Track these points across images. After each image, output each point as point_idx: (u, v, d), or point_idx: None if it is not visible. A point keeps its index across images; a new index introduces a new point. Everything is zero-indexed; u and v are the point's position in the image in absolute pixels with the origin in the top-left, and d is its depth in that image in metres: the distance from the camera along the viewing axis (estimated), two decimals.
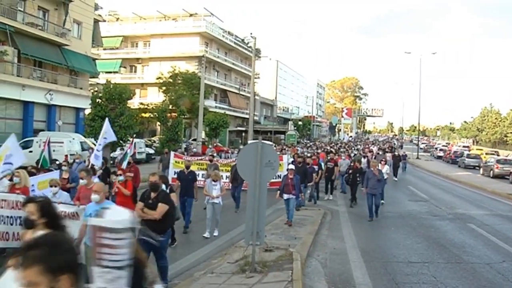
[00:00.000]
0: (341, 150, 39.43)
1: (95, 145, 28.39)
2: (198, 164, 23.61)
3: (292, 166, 16.08)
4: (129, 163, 16.93)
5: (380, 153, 36.03)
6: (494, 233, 14.84)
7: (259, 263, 9.68)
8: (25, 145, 28.46)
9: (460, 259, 11.50)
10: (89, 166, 13.80)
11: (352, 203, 20.60)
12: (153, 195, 8.74)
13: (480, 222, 16.90)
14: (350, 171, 21.51)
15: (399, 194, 25.01)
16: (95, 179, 11.80)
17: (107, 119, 16.68)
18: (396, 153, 36.31)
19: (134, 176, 14.56)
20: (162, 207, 8.50)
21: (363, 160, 25.35)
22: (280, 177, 21.01)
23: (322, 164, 22.98)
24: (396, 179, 31.63)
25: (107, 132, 15.80)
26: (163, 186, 10.41)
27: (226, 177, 21.73)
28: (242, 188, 18.70)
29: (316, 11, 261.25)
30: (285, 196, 15.21)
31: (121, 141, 24.96)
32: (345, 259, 11.39)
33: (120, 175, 12.05)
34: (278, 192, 15.50)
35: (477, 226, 16.14)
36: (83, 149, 29.46)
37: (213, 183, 13.74)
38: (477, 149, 67.83)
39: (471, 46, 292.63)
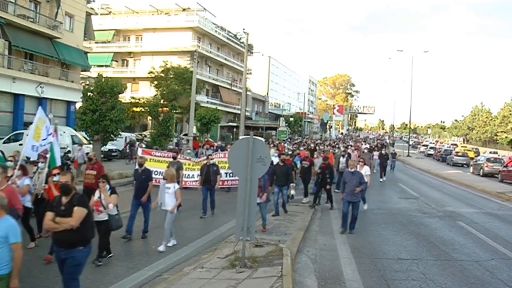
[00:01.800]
0: (320, 147, 35.00)
1: (86, 139, 28.52)
2: (164, 162, 21.11)
3: None
4: (90, 159, 14.53)
5: (366, 151, 31.87)
6: (483, 231, 14.96)
7: (249, 259, 9.70)
8: (15, 138, 28.41)
9: (449, 257, 11.58)
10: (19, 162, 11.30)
11: (315, 203, 18.70)
12: (64, 200, 7.13)
13: (469, 220, 17.02)
14: (319, 170, 19.03)
15: (389, 191, 25.11)
16: (25, 180, 10.83)
17: (40, 107, 14.58)
18: (383, 152, 33.51)
19: (97, 174, 12.90)
20: (79, 212, 6.95)
21: (342, 160, 23.52)
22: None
23: (298, 163, 21.25)
24: (382, 180, 29.67)
25: (44, 119, 12.87)
26: (107, 186, 10.07)
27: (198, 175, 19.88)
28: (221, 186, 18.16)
29: (309, 8, 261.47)
30: None
31: (112, 135, 24.83)
32: (335, 255, 11.43)
33: (56, 174, 10.27)
34: None
35: (466, 224, 16.26)
36: (74, 143, 29.39)
37: (167, 185, 11.73)
38: (461, 147, 70.14)
39: (464, 45, 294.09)
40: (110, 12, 64.19)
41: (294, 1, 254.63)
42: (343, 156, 24.31)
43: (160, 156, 22.09)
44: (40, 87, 35.48)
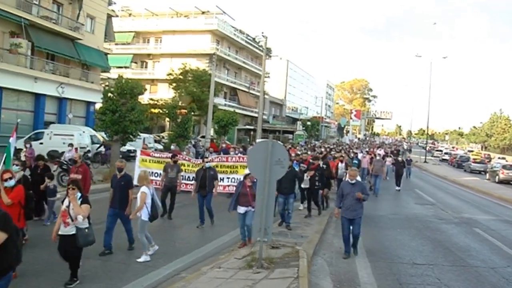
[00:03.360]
0: (331, 153, 30.45)
1: (104, 139, 28.87)
2: (164, 163, 18.88)
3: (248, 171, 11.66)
4: (75, 161, 13.21)
5: (378, 157, 27.67)
6: (499, 238, 14.92)
7: (265, 260, 9.83)
8: (36, 137, 28.85)
9: (464, 263, 11.60)
10: None
11: (308, 215, 16.57)
12: None
13: (486, 227, 16.97)
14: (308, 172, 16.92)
15: (406, 197, 25.08)
16: None
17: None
18: (399, 159, 31.46)
19: (83, 178, 12.02)
20: None
21: (341, 165, 21.59)
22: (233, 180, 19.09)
23: (296, 167, 17.70)
24: (398, 188, 27.69)
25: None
26: (78, 194, 8.64)
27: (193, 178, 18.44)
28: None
29: (328, 12, 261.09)
30: (241, 209, 11.68)
31: (131, 136, 25.12)
32: (351, 258, 11.50)
33: (7, 180, 9.09)
34: (231, 204, 11.91)
35: (482, 230, 16.22)
36: (93, 142, 29.82)
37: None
38: (476, 153, 70.60)
39: (482, 50, 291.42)
40: (130, 14, 64.78)
41: (313, 6, 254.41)
42: (341, 161, 22.13)
43: (160, 157, 20.43)
44: (61, 87, 35.96)
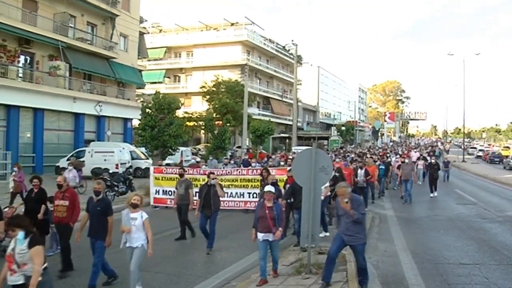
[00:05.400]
0: (362, 158, 28.96)
1: (144, 154, 29.52)
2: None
3: (270, 188, 9.74)
4: (59, 186, 10.58)
5: (407, 161, 24.99)
6: None
7: (313, 265, 10.02)
8: (78, 155, 29.61)
9: None
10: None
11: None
12: None
13: None
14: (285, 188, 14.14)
15: (446, 198, 24.86)
16: None
17: None
18: (433, 161, 27.59)
19: (70, 205, 10.33)
20: None
21: (360, 172, 19.81)
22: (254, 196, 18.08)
23: None
24: (433, 195, 24.68)
25: None
26: (20, 234, 6.64)
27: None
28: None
29: (357, 16, 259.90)
30: (261, 236, 9.51)
31: (170, 150, 25.67)
32: (397, 261, 11.63)
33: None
34: (253, 231, 9.73)
35: None
36: (132, 158, 30.48)
37: (131, 215, 8.87)
38: (502, 149, 72.38)
39: None
40: (160, 30, 65.95)
41: (343, 10, 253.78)
42: (361, 168, 20.20)
43: (172, 173, 19.32)
44: (99, 105, 36.80)
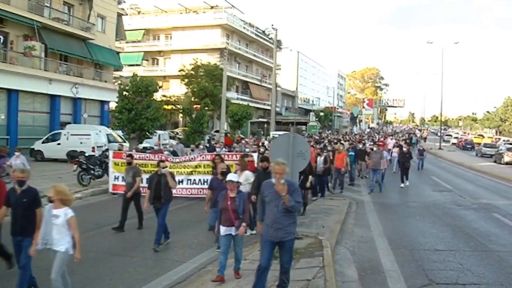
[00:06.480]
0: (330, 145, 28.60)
1: (121, 137, 29.16)
2: (152, 166, 17.12)
3: (232, 177, 8.73)
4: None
5: (375, 149, 23.08)
6: None
7: None
8: (53, 138, 29.24)
9: (485, 248, 11.72)
10: None
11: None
12: None
13: (505, 212, 17.03)
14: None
15: (423, 185, 25.08)
16: None
17: None
18: (404, 149, 26.02)
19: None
20: None
21: (319, 159, 18.98)
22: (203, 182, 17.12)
23: None
24: (404, 185, 23.54)
25: None
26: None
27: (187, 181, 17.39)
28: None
29: (339, 1, 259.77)
30: (223, 230, 8.51)
31: (147, 133, 25.42)
32: (373, 246, 11.67)
33: None
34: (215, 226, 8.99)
35: (502, 216, 16.30)
36: (109, 141, 30.09)
37: (54, 212, 7.24)
38: (475, 137, 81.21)
39: (495, 35, 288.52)
40: (139, 12, 65.03)
41: None
42: (320, 155, 19.27)
43: (141, 159, 18.03)
44: (75, 87, 36.22)
